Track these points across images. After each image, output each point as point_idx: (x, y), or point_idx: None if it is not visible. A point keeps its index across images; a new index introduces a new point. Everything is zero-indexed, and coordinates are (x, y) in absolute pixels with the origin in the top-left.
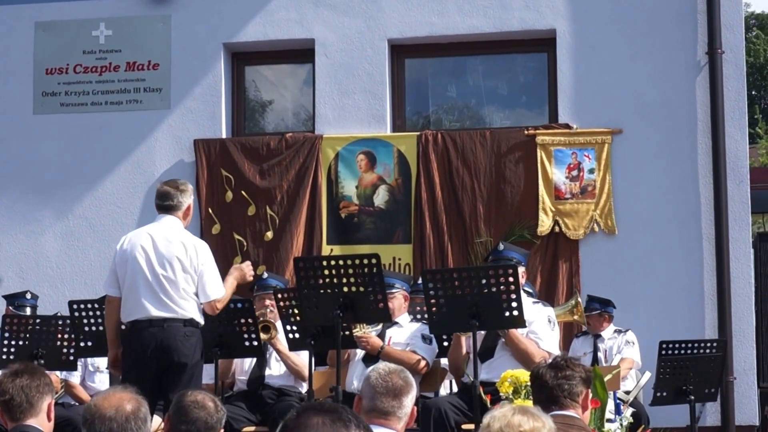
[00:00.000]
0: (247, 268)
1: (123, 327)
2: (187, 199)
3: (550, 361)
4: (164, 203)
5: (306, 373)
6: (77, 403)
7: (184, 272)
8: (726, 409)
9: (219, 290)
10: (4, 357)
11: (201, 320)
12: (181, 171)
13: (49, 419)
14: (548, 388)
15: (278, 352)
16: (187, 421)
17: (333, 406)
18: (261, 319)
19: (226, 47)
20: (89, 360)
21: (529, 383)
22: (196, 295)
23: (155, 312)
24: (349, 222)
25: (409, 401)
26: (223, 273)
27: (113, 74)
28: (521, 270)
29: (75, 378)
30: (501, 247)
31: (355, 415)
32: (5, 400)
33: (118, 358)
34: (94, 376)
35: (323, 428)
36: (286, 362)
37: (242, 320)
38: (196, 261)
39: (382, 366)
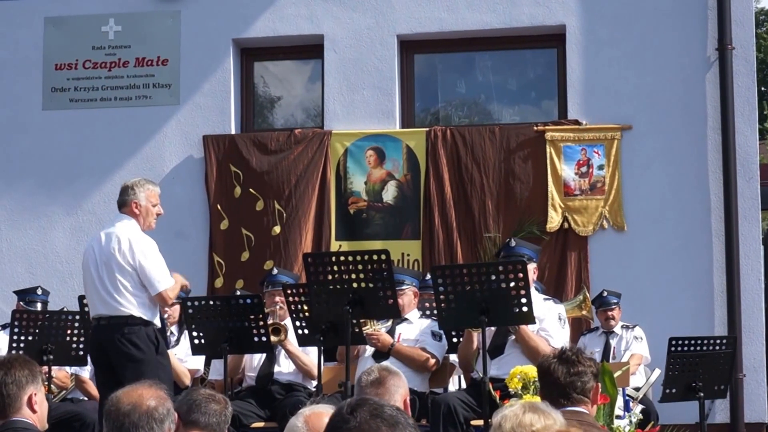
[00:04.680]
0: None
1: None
2: (133, 196)
3: (559, 353)
4: (118, 199)
5: (315, 372)
6: (87, 398)
7: (120, 269)
8: (735, 407)
9: (165, 281)
10: (13, 353)
11: (145, 316)
12: (190, 167)
13: (33, 411)
14: (560, 386)
15: (288, 353)
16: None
17: (395, 416)
18: (271, 321)
19: (235, 43)
20: None
21: (537, 379)
22: (140, 291)
23: (101, 310)
24: (357, 218)
25: (394, 389)
26: (228, 270)
27: (122, 70)
28: (533, 266)
29: (85, 373)
30: (513, 243)
31: (407, 418)
32: None
33: None
34: None
35: None
36: (295, 362)
37: (252, 316)
38: (130, 257)
39: (370, 363)
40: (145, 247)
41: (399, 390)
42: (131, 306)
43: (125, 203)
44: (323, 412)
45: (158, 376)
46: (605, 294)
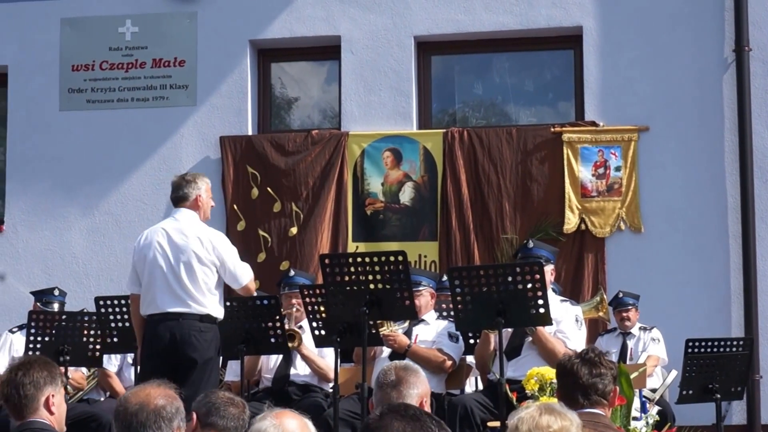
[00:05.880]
0: None
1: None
2: (196, 190)
3: (581, 353)
4: (174, 195)
5: (331, 375)
6: (105, 397)
7: (202, 266)
8: (752, 408)
9: (247, 273)
10: (30, 353)
11: (219, 315)
12: (207, 168)
13: (50, 412)
14: (581, 386)
15: (304, 357)
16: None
17: (416, 413)
18: (288, 323)
19: (252, 44)
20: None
21: (554, 381)
22: (216, 288)
23: (170, 307)
24: (374, 219)
25: (409, 392)
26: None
27: (139, 71)
28: (550, 268)
29: (112, 367)
30: (530, 244)
31: (438, 422)
32: (5, 401)
33: None
34: (131, 369)
35: None
36: (311, 366)
37: (268, 317)
38: (213, 253)
39: (387, 363)
40: (225, 242)
41: (413, 390)
42: (210, 304)
43: (187, 197)
44: (285, 410)
45: (214, 378)
46: (621, 295)
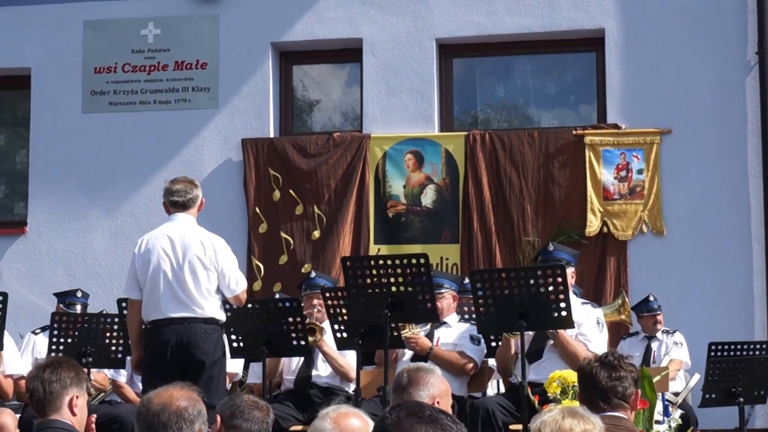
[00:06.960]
0: None
1: (145, 327)
2: (200, 193)
3: (600, 356)
4: (183, 198)
5: (352, 374)
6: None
7: (205, 270)
8: None
9: (241, 283)
10: (53, 355)
11: (222, 318)
12: (228, 170)
13: (73, 413)
14: (601, 390)
15: (324, 354)
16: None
17: (435, 415)
18: (308, 321)
19: (274, 46)
20: None
21: (576, 384)
22: (217, 292)
23: (175, 312)
24: (396, 221)
25: (419, 393)
26: (267, 273)
27: (162, 73)
28: (571, 270)
29: (122, 377)
30: (551, 247)
31: (453, 419)
32: (29, 396)
33: (141, 360)
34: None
35: None
36: (331, 364)
37: (290, 319)
38: (215, 258)
39: (404, 365)
40: (226, 248)
41: (422, 391)
42: (212, 308)
43: (194, 201)
44: (349, 411)
45: (223, 380)
46: (651, 299)
